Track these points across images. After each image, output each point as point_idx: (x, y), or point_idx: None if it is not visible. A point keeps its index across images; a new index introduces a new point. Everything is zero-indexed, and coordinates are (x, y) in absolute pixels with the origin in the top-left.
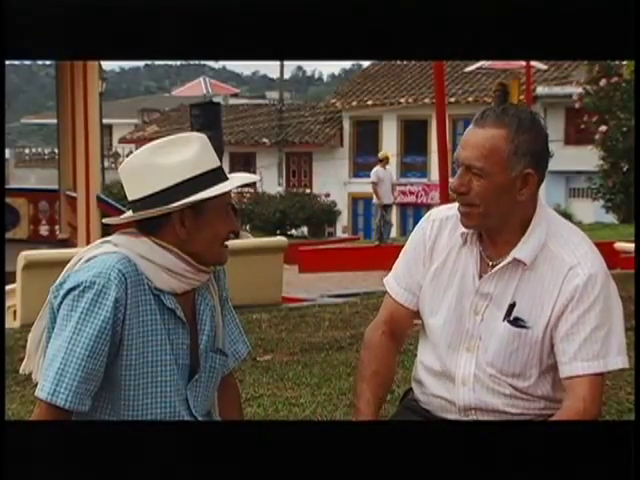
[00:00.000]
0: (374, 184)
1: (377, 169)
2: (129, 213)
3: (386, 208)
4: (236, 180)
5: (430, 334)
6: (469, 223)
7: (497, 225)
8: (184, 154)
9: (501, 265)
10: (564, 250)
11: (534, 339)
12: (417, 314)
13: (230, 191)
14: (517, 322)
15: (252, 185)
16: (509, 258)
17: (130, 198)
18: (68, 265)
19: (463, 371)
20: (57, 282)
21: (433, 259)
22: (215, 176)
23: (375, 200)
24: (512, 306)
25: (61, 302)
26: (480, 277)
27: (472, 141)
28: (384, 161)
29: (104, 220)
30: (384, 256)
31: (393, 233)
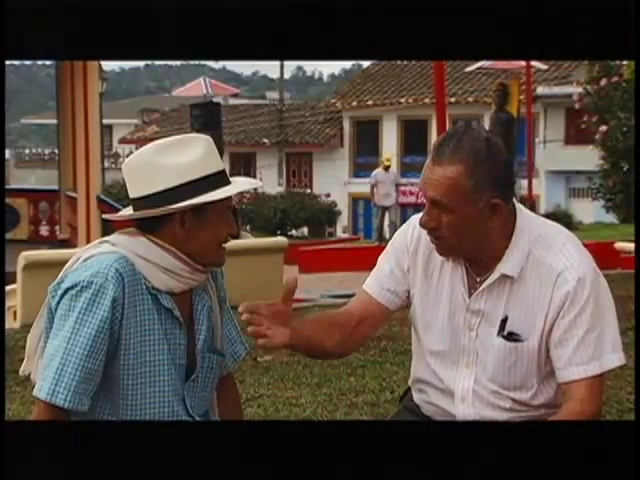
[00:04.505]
0: (371, 186)
1: (377, 171)
2: (129, 210)
3: (388, 210)
4: (239, 185)
5: (425, 349)
6: (444, 253)
7: (474, 252)
8: (189, 155)
9: (488, 282)
10: (549, 255)
11: (530, 350)
12: (391, 314)
13: (232, 195)
14: (511, 336)
15: None
16: (496, 274)
17: (132, 195)
18: (66, 265)
19: (462, 387)
20: (55, 282)
21: (417, 264)
22: (219, 179)
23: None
24: (504, 321)
25: (59, 302)
26: (469, 294)
27: (432, 180)
28: (386, 164)
29: (104, 216)
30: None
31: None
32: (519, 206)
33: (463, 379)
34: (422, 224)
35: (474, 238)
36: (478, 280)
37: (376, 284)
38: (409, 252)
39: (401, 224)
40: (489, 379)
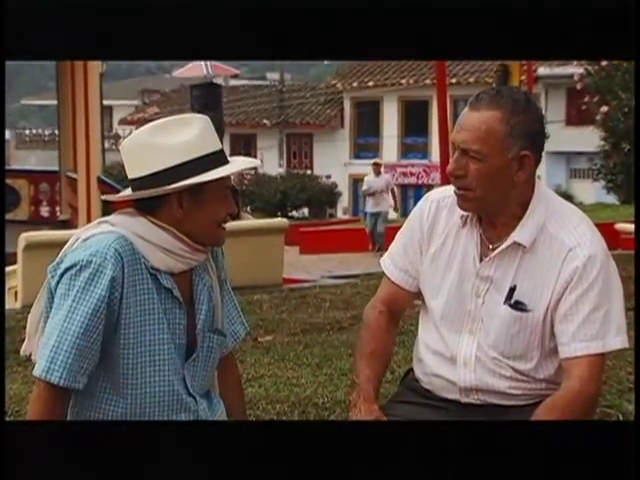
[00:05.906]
0: (365, 194)
1: (368, 178)
2: (128, 191)
3: (378, 217)
4: (236, 164)
5: (432, 315)
6: (466, 206)
7: (495, 208)
8: (186, 135)
9: (501, 248)
10: (563, 231)
11: (535, 322)
12: (416, 294)
13: (229, 175)
14: (518, 305)
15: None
16: (509, 241)
17: (130, 176)
18: (66, 245)
19: (465, 353)
20: (54, 262)
21: (432, 240)
22: (216, 159)
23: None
24: (512, 289)
25: (58, 281)
26: (480, 260)
27: (467, 124)
28: (377, 167)
29: (103, 197)
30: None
31: (393, 214)
32: (539, 181)
33: (466, 345)
34: (449, 171)
35: (498, 190)
36: (491, 247)
37: (390, 264)
38: (423, 230)
39: (401, 204)
40: (490, 346)
